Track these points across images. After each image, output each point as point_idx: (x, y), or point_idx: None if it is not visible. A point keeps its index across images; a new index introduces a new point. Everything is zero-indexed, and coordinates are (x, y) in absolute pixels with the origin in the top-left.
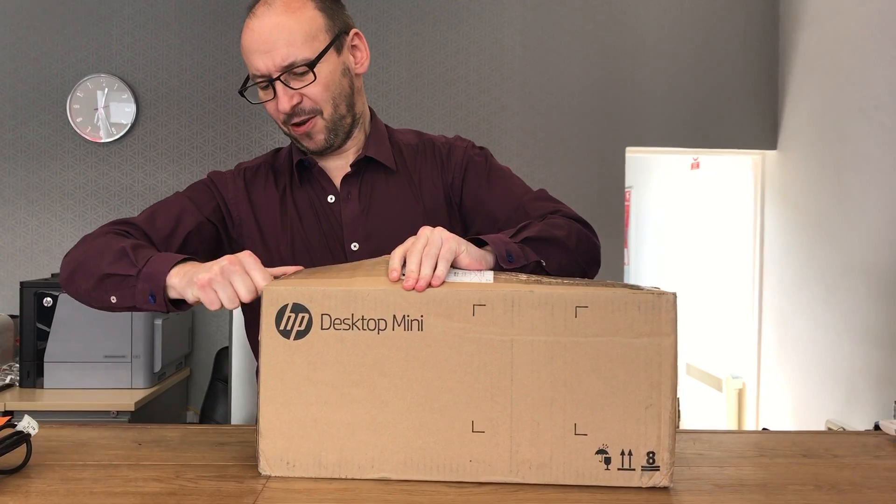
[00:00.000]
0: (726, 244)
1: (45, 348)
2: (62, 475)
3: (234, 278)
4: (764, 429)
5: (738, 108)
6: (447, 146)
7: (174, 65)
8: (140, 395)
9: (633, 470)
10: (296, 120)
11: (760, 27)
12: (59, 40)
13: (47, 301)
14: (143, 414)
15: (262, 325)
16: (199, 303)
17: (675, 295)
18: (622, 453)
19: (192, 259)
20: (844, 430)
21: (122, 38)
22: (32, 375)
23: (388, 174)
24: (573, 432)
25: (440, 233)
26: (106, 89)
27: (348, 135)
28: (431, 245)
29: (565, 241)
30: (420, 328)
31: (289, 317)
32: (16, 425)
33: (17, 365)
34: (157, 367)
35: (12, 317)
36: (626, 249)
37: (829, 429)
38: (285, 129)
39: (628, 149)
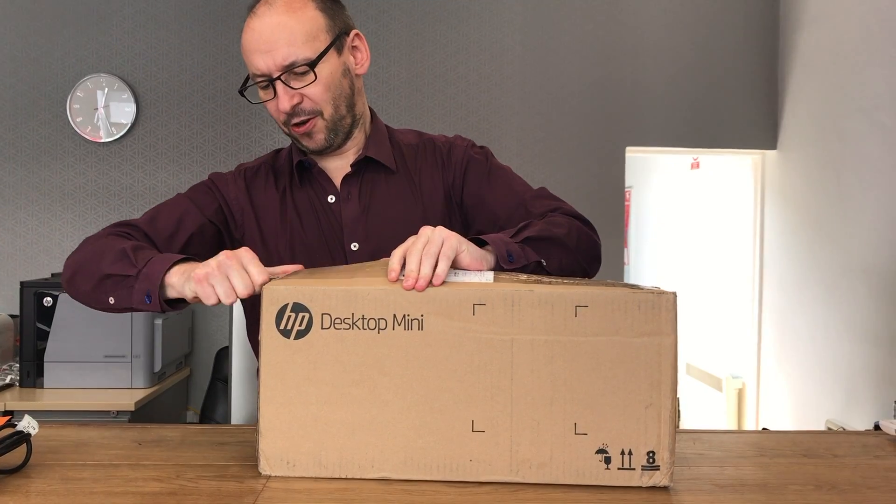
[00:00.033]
0: (726, 244)
1: (45, 348)
2: (62, 475)
3: (231, 273)
4: (764, 429)
5: (738, 108)
6: (447, 145)
7: (174, 64)
8: (140, 394)
9: (634, 469)
10: (296, 120)
11: (760, 27)
12: (59, 40)
13: (47, 301)
14: (143, 414)
15: (262, 325)
16: (197, 300)
17: (675, 294)
18: (622, 453)
19: (191, 259)
20: (844, 430)
21: (122, 37)
22: (32, 375)
23: (389, 174)
24: (573, 432)
25: (441, 232)
26: (106, 89)
27: (348, 135)
28: (432, 244)
29: (566, 240)
30: (420, 327)
31: (289, 316)
32: (16, 425)
33: (17, 365)
34: (157, 367)
35: (12, 316)
36: (626, 249)
37: (829, 429)
38: (285, 130)
39: (628, 149)
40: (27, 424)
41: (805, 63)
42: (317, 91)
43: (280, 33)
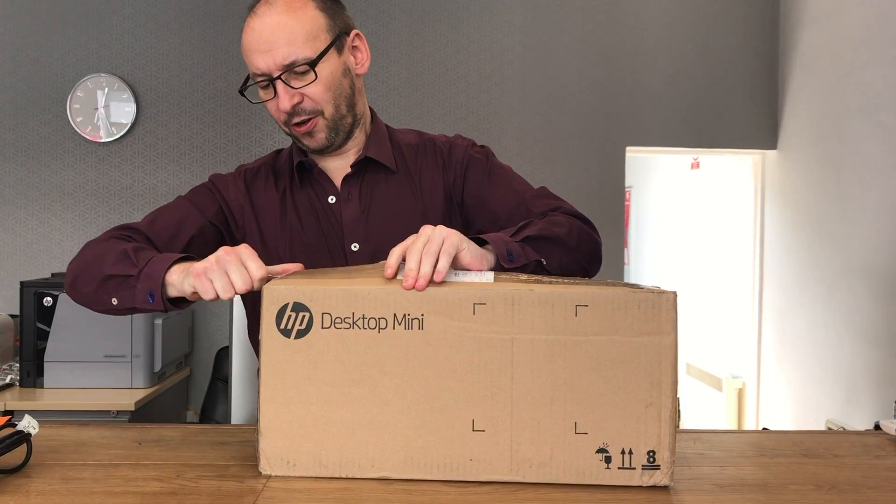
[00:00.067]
0: (726, 244)
1: (45, 348)
2: (62, 475)
3: (230, 268)
4: (764, 428)
5: (738, 107)
6: (448, 145)
7: (174, 64)
8: (140, 394)
9: (634, 469)
10: (297, 120)
11: (760, 27)
12: (60, 40)
13: (47, 301)
14: (143, 413)
15: (262, 324)
16: (196, 296)
17: (675, 294)
18: (622, 452)
19: (192, 258)
20: (844, 429)
21: (123, 37)
22: (32, 375)
23: (389, 174)
24: (573, 431)
25: (441, 230)
26: (106, 89)
27: (349, 134)
28: (432, 243)
29: (566, 239)
30: (420, 327)
31: (289, 316)
32: (16, 425)
33: (18, 364)
34: (157, 367)
35: (12, 316)
36: (626, 249)
37: (829, 429)
38: (286, 129)
39: (628, 148)
40: (27, 424)
41: (805, 63)
42: (317, 90)
43: (280, 33)
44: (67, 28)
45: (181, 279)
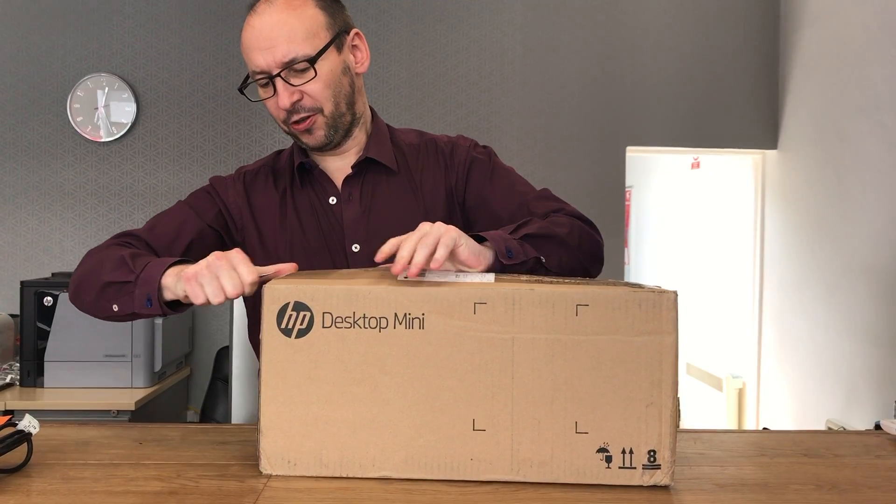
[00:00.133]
0: (726, 244)
1: (45, 347)
2: (63, 474)
3: (221, 273)
4: (764, 428)
5: (739, 107)
6: (450, 145)
7: (174, 64)
8: (140, 394)
9: (634, 468)
10: (296, 118)
11: (761, 27)
12: (60, 39)
13: (48, 300)
14: (143, 413)
15: (263, 324)
16: (189, 300)
17: (676, 293)
18: (623, 452)
19: (187, 261)
20: (845, 429)
21: (123, 37)
22: (33, 374)
23: (390, 175)
24: (574, 430)
25: (440, 225)
26: (106, 88)
27: (348, 133)
28: (429, 235)
29: (566, 239)
30: (421, 326)
31: (290, 315)
32: (17, 424)
33: (18, 364)
34: (158, 367)
35: (13, 316)
36: (626, 249)
37: (830, 428)
38: (285, 128)
39: (629, 148)
40: (28, 424)
41: (806, 63)
42: (316, 88)
43: (280, 30)
44: (68, 28)
45: (174, 282)
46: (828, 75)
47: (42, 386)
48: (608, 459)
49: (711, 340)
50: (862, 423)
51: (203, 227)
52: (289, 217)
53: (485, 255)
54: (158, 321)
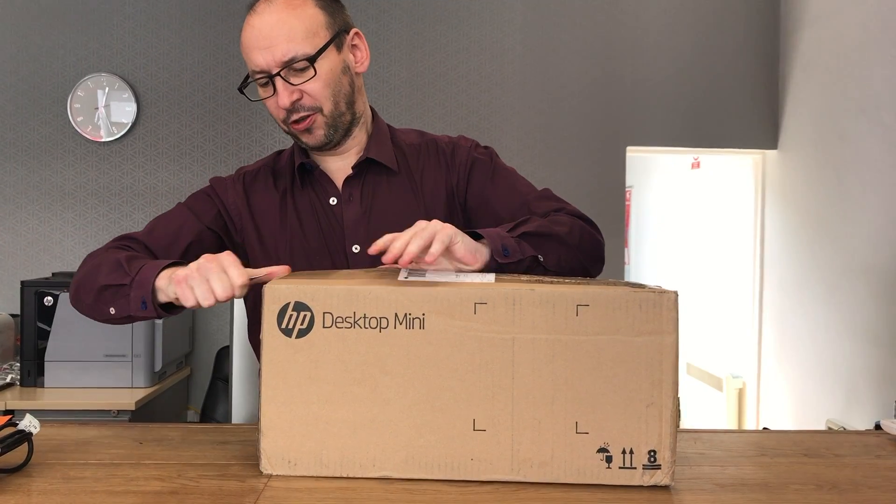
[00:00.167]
0: (727, 244)
1: (45, 347)
2: (64, 474)
3: (211, 276)
4: (764, 428)
5: (739, 107)
6: (451, 146)
7: (175, 64)
8: (141, 394)
9: (635, 468)
10: (295, 117)
11: (761, 27)
12: (60, 39)
13: (48, 300)
14: (143, 413)
15: (263, 324)
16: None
17: (676, 293)
18: (623, 452)
19: (181, 263)
20: (845, 429)
21: (123, 37)
22: (33, 374)
23: (390, 175)
24: (574, 431)
25: (436, 223)
26: (107, 88)
27: (348, 132)
28: (425, 230)
29: (566, 238)
30: (422, 326)
31: (290, 315)
32: (17, 424)
33: (18, 364)
34: (158, 367)
35: (13, 316)
36: (626, 249)
37: (830, 428)
38: (285, 128)
39: (629, 148)
40: (28, 423)
41: (806, 63)
42: (316, 87)
43: (280, 29)
44: (68, 27)
45: (167, 285)
46: (828, 75)
47: (42, 386)
48: (608, 459)
49: (711, 340)
50: (862, 423)
51: (202, 229)
52: (289, 217)
53: (481, 252)
54: (159, 321)
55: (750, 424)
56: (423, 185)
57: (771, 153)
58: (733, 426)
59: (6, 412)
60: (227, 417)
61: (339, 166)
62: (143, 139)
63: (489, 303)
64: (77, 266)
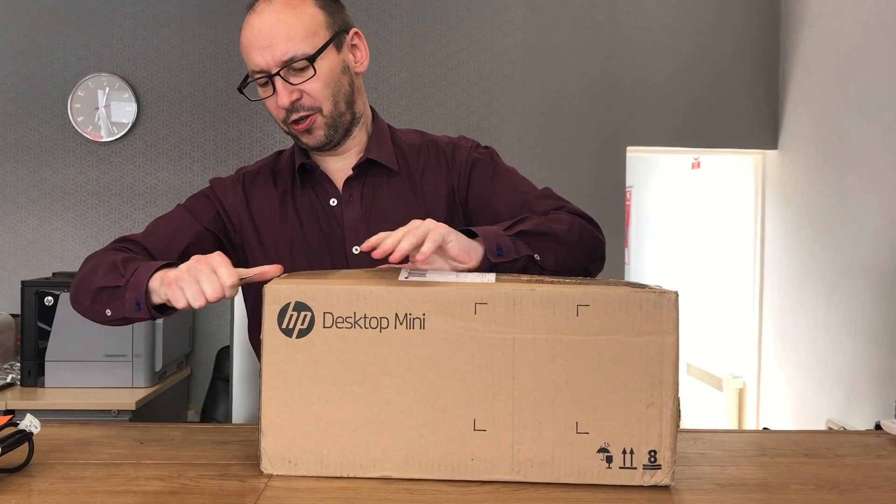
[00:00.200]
0: (727, 244)
1: (46, 347)
2: (64, 474)
3: (201, 276)
4: (765, 428)
5: (739, 107)
6: (451, 146)
7: (175, 64)
8: (141, 394)
9: (635, 468)
10: (295, 117)
11: (761, 27)
12: (60, 39)
13: (48, 300)
14: (144, 413)
15: (264, 324)
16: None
17: (676, 294)
18: (624, 452)
19: (175, 264)
20: (845, 429)
21: (124, 37)
22: (33, 374)
23: (391, 175)
24: (575, 431)
25: (429, 222)
26: (107, 88)
27: (347, 132)
28: (417, 229)
29: (563, 236)
30: (422, 326)
31: (291, 315)
32: (18, 424)
33: (18, 364)
34: (158, 367)
35: (13, 316)
36: (626, 249)
37: (830, 428)
38: (285, 128)
39: (629, 148)
40: (29, 423)
41: (806, 62)
42: (316, 87)
43: (279, 29)
44: (68, 27)
45: (159, 286)
46: (828, 75)
47: (43, 386)
48: (609, 459)
49: (712, 340)
50: (862, 423)
51: (200, 230)
52: (289, 218)
53: (476, 250)
54: (159, 321)
55: (750, 424)
56: (423, 186)
57: (771, 153)
58: (733, 426)
59: (7, 412)
60: (227, 417)
61: (339, 167)
62: (144, 139)
63: (489, 303)
64: (77, 266)
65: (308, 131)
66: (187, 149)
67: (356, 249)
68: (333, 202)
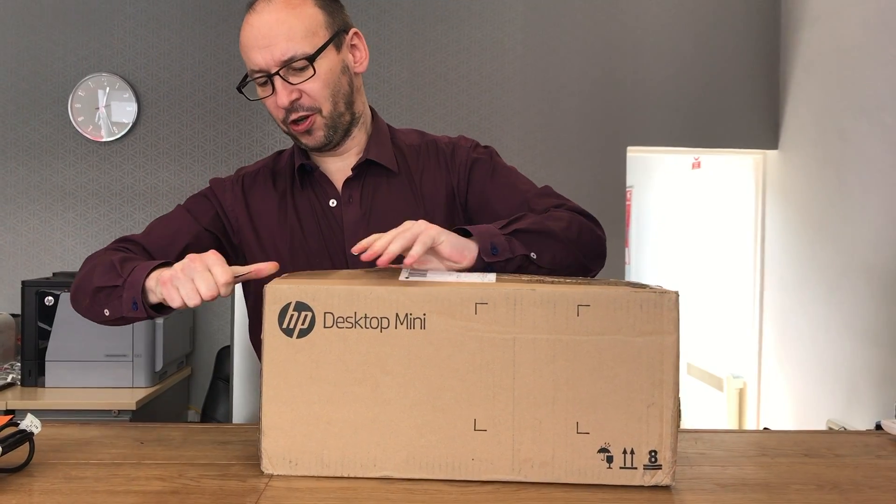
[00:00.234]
0: (727, 244)
1: (46, 347)
2: (65, 474)
3: (195, 275)
4: (765, 428)
5: (740, 107)
6: (451, 146)
7: (175, 64)
8: (141, 393)
9: (636, 468)
10: (294, 117)
11: (762, 26)
12: (61, 39)
13: (49, 300)
14: (144, 413)
15: (264, 324)
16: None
17: (677, 294)
18: (624, 452)
19: (171, 264)
20: (845, 429)
21: (124, 37)
22: (34, 374)
23: (390, 176)
24: (575, 431)
25: (421, 223)
26: (107, 88)
27: (347, 133)
28: (408, 231)
29: (561, 234)
30: (423, 326)
31: (292, 315)
32: (18, 424)
33: (19, 364)
34: (159, 366)
35: (14, 316)
36: (627, 249)
37: (830, 428)
38: (284, 128)
39: (629, 148)
40: (30, 423)
41: (806, 62)
42: (315, 87)
43: (279, 29)
44: (69, 27)
45: (155, 285)
46: (828, 75)
47: (43, 386)
48: (609, 460)
49: (712, 340)
50: (863, 423)
51: (199, 230)
52: (288, 219)
53: (469, 248)
54: (159, 321)
55: (750, 424)
56: (422, 187)
57: (771, 153)
58: (734, 426)
59: (7, 412)
60: (227, 417)
61: (338, 167)
62: (144, 139)
63: (490, 303)
64: (77, 266)
65: (308, 132)
66: (188, 149)
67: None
68: (333, 203)
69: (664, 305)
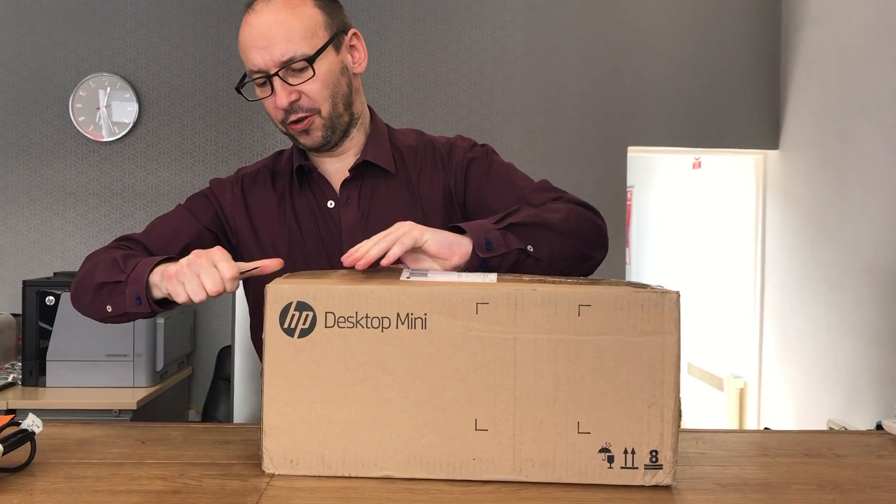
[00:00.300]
0: (728, 244)
1: (47, 347)
2: (66, 473)
3: (201, 270)
4: (766, 428)
5: (740, 107)
6: (447, 146)
7: (176, 64)
8: (142, 393)
9: (636, 468)
10: (293, 118)
11: (762, 27)
12: (62, 39)
13: (49, 300)
14: (145, 412)
15: (265, 324)
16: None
17: (678, 294)
18: (625, 452)
19: (175, 259)
20: (846, 429)
21: (125, 37)
22: (35, 374)
23: (388, 177)
24: (576, 430)
25: (405, 225)
26: (108, 88)
27: (346, 133)
28: (390, 234)
29: (559, 225)
30: (423, 326)
31: (293, 315)
32: (20, 423)
33: (20, 363)
34: (160, 366)
35: (15, 315)
36: (627, 249)
37: (831, 428)
38: (283, 129)
39: (630, 148)
40: (31, 423)
41: (807, 63)
42: (315, 88)
43: (278, 29)
44: (70, 27)
45: (160, 280)
46: (830, 75)
47: (44, 385)
48: (610, 459)
49: (713, 340)
50: (863, 423)
51: (200, 229)
52: (287, 220)
53: (459, 244)
54: (160, 320)
55: (751, 424)
56: (420, 188)
57: (772, 153)
58: (734, 426)
59: (8, 411)
60: (228, 417)
61: (336, 168)
62: (145, 139)
63: (491, 303)
64: (78, 266)
65: (306, 132)
66: (188, 148)
67: None
68: (331, 204)
69: (665, 305)
